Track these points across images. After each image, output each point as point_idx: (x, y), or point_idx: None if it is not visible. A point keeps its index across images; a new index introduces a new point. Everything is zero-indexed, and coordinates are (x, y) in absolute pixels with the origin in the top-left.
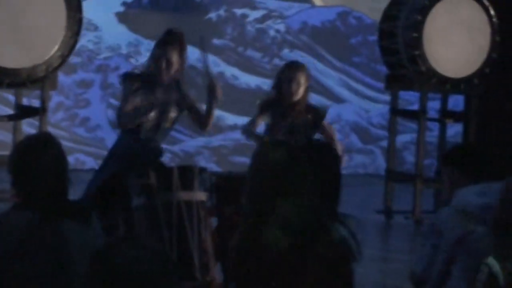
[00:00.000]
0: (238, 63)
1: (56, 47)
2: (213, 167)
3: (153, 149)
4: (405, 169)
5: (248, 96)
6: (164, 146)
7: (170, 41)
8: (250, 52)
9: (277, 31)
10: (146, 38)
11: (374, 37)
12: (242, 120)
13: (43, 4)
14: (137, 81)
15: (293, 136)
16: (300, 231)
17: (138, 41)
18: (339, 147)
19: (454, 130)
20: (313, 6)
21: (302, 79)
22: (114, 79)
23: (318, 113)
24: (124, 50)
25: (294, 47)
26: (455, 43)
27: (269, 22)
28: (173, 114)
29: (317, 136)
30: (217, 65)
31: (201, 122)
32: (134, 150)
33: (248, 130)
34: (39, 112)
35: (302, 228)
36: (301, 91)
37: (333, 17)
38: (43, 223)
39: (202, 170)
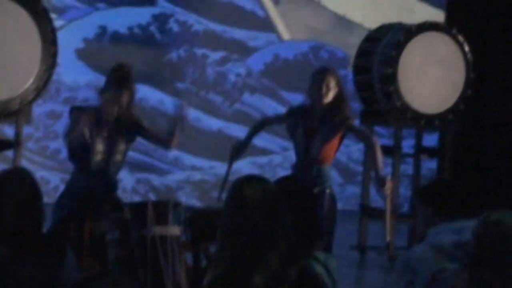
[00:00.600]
0: (200, 106)
1: (31, 80)
2: (195, 202)
3: (106, 183)
4: (379, 205)
5: (210, 138)
6: (144, 179)
7: (122, 83)
8: (211, 96)
9: (238, 74)
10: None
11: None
12: (202, 162)
13: (19, 36)
14: (84, 115)
15: (308, 142)
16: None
17: (98, 78)
18: (375, 141)
19: (429, 165)
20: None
21: (331, 82)
22: None
23: (340, 117)
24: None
25: (255, 91)
26: (430, 79)
27: (229, 65)
28: (122, 146)
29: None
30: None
31: (163, 143)
32: (87, 185)
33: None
34: (13, 145)
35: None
36: (330, 94)
37: (305, 50)
38: (16, 258)
39: (177, 204)
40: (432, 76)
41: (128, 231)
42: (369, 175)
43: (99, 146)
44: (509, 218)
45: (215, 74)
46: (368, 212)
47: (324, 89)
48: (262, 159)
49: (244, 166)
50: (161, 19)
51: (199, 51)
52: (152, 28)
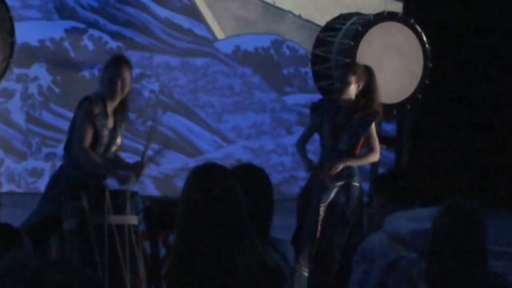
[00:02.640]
0: None
1: None
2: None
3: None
4: None
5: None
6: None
7: (124, 60)
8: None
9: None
10: None
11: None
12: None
13: None
14: (98, 106)
15: (336, 137)
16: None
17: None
18: (375, 158)
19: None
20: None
21: (350, 78)
22: (33, 89)
23: (367, 113)
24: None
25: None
26: (388, 68)
27: (143, 82)
28: (119, 139)
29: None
30: None
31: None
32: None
33: (297, 143)
34: None
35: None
36: (347, 89)
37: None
38: None
39: (134, 194)
40: (390, 66)
41: (86, 220)
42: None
43: (105, 138)
44: (468, 207)
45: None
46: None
47: (343, 85)
48: (255, 144)
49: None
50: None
51: None
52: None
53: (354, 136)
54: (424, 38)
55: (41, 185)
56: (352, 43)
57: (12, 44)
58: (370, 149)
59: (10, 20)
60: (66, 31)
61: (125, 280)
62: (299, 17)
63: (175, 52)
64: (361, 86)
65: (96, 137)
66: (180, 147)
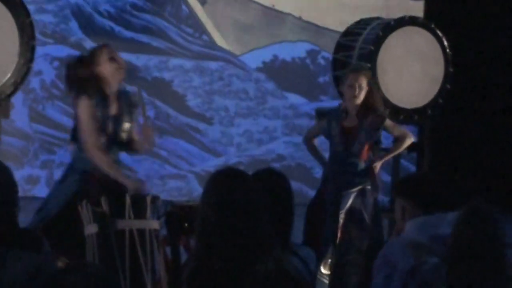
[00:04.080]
0: None
1: (9, 75)
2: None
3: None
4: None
5: None
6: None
7: (107, 44)
8: None
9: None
10: None
11: None
12: None
13: None
14: (94, 95)
15: (347, 140)
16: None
17: None
18: (410, 140)
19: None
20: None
21: (364, 83)
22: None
23: (377, 116)
24: None
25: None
26: (408, 73)
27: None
28: (127, 124)
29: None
30: None
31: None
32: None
33: (304, 137)
34: None
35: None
36: (362, 94)
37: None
38: None
39: (155, 198)
40: (411, 71)
41: (107, 225)
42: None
43: (109, 126)
44: (488, 212)
45: None
46: None
47: (357, 90)
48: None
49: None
50: None
51: None
52: None
53: (369, 138)
54: (445, 43)
55: (37, 191)
56: (372, 48)
57: (33, 48)
58: (400, 136)
59: (31, 24)
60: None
61: (146, 285)
62: (300, 19)
63: (190, 55)
64: (369, 88)
65: (100, 127)
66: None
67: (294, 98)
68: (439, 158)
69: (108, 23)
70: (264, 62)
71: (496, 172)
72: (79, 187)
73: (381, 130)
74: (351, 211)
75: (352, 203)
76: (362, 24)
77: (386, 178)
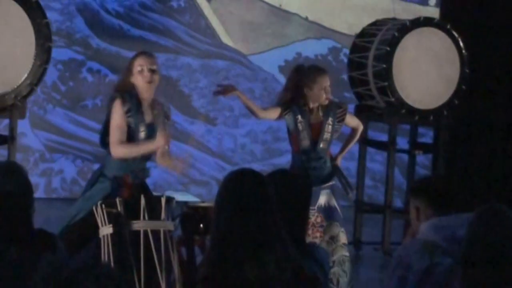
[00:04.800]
0: None
1: (25, 76)
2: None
3: (141, 170)
4: (374, 200)
5: None
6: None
7: (150, 54)
8: None
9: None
10: None
11: None
12: None
13: (13, 32)
14: (128, 101)
15: (314, 137)
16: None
17: None
18: (360, 129)
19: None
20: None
21: (328, 83)
22: None
23: (340, 109)
24: None
25: None
26: (424, 74)
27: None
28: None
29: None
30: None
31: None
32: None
33: (258, 111)
34: (7, 140)
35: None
36: (327, 94)
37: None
38: (7, 251)
39: (169, 199)
40: (427, 72)
41: (121, 226)
42: (363, 170)
43: (142, 134)
44: (504, 213)
45: None
46: (363, 208)
47: (328, 92)
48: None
49: None
50: None
51: None
52: None
53: (334, 133)
54: (461, 44)
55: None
56: (388, 49)
57: (49, 49)
58: (355, 127)
59: (47, 25)
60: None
61: (160, 286)
62: (306, 19)
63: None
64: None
65: (131, 134)
66: None
67: None
68: (454, 158)
69: (116, 22)
70: (283, 61)
71: (511, 173)
72: (110, 192)
73: (343, 122)
74: (328, 209)
75: (327, 200)
76: (377, 25)
77: (401, 179)
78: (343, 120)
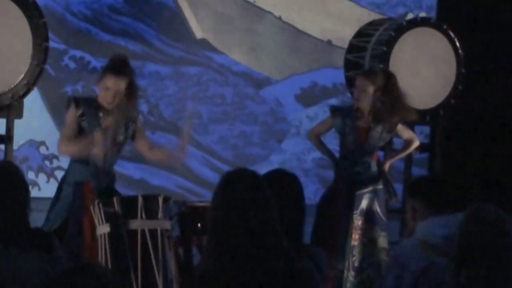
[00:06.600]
0: None
1: (22, 75)
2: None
3: (107, 175)
4: None
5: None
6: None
7: (121, 71)
8: None
9: None
10: None
11: None
12: None
13: (10, 32)
14: (82, 106)
15: (360, 139)
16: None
17: None
18: (417, 143)
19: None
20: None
21: (369, 87)
22: None
23: (390, 120)
24: None
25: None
26: (421, 74)
27: None
28: (120, 137)
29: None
30: None
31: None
32: (86, 177)
33: (311, 133)
34: (4, 140)
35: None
36: (366, 99)
37: None
38: (4, 252)
39: (167, 198)
40: (423, 72)
41: (119, 225)
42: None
43: (98, 138)
44: (494, 212)
45: None
46: None
47: (359, 94)
48: None
49: None
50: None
51: None
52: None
53: (380, 141)
54: (457, 44)
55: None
56: (385, 49)
57: (46, 49)
58: (409, 139)
59: (44, 25)
60: None
61: (157, 285)
62: (279, 19)
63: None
64: (379, 92)
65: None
66: None
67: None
68: (451, 158)
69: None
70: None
71: (508, 173)
72: (74, 199)
73: (393, 133)
74: (369, 213)
75: (368, 204)
76: (374, 25)
77: (397, 179)
78: (392, 130)
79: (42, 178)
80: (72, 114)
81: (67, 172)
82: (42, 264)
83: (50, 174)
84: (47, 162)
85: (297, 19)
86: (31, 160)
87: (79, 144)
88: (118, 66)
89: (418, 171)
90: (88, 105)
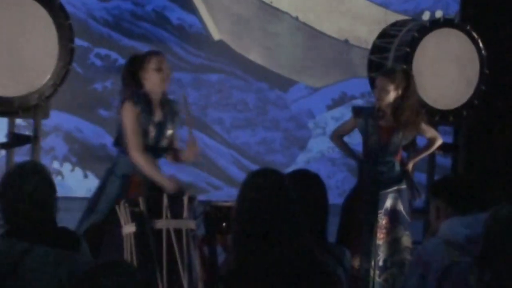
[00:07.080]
0: None
1: (49, 76)
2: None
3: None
4: None
5: None
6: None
7: (159, 52)
8: None
9: None
10: None
11: None
12: None
13: (36, 33)
14: (138, 102)
15: (383, 139)
16: (292, 264)
17: None
18: (440, 142)
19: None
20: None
21: (388, 86)
22: None
23: (415, 120)
24: None
25: None
26: (444, 75)
27: None
28: (169, 131)
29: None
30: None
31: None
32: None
33: (333, 134)
34: (31, 140)
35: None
36: (386, 97)
37: None
38: (32, 250)
39: (192, 198)
40: (447, 72)
41: (145, 224)
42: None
43: (152, 134)
44: None
45: None
46: None
47: (379, 93)
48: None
49: None
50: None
51: None
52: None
53: (404, 140)
54: (481, 44)
55: None
56: (408, 50)
57: (71, 50)
58: (432, 138)
59: (70, 27)
60: None
61: (183, 284)
62: (296, 19)
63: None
64: (400, 92)
65: (143, 132)
66: None
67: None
68: (474, 158)
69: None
70: None
71: None
72: (121, 192)
73: (416, 132)
74: (393, 212)
75: (393, 204)
76: (397, 26)
77: (422, 178)
78: (413, 130)
79: (66, 167)
80: (132, 113)
81: (115, 164)
82: (68, 262)
83: (75, 164)
84: (72, 153)
85: (314, 19)
86: (57, 150)
87: (155, 174)
88: (157, 51)
89: (441, 171)
90: (140, 100)
